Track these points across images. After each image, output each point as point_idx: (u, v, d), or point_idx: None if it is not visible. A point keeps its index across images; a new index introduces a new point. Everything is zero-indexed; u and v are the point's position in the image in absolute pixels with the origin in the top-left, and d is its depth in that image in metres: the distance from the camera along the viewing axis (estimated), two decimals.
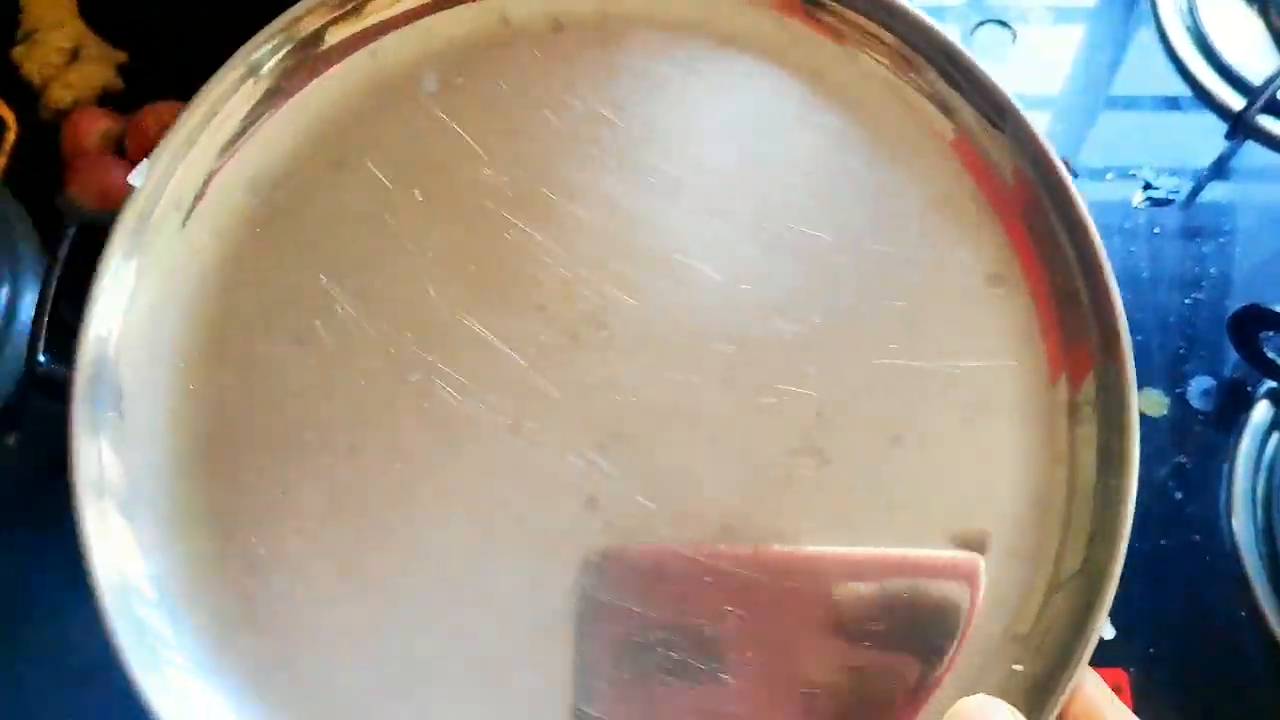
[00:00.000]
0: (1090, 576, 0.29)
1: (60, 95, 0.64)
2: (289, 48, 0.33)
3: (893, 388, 0.31)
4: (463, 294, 0.32)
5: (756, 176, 0.33)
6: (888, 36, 0.33)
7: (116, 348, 0.31)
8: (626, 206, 0.32)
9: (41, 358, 0.34)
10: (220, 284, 0.32)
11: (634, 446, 0.31)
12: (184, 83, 0.68)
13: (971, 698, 0.26)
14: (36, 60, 0.64)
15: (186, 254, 0.32)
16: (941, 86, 0.33)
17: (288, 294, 0.32)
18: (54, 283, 0.34)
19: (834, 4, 0.33)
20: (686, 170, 0.33)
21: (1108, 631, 0.29)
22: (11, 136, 0.64)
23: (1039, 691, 0.28)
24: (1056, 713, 0.27)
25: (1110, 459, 0.30)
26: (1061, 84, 0.61)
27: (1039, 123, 0.59)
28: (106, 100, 0.65)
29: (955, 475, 0.31)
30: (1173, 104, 0.60)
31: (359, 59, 0.34)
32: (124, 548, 0.30)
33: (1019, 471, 0.31)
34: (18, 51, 0.65)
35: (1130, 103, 0.60)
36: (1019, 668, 0.29)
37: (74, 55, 0.65)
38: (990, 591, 0.30)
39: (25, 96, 0.65)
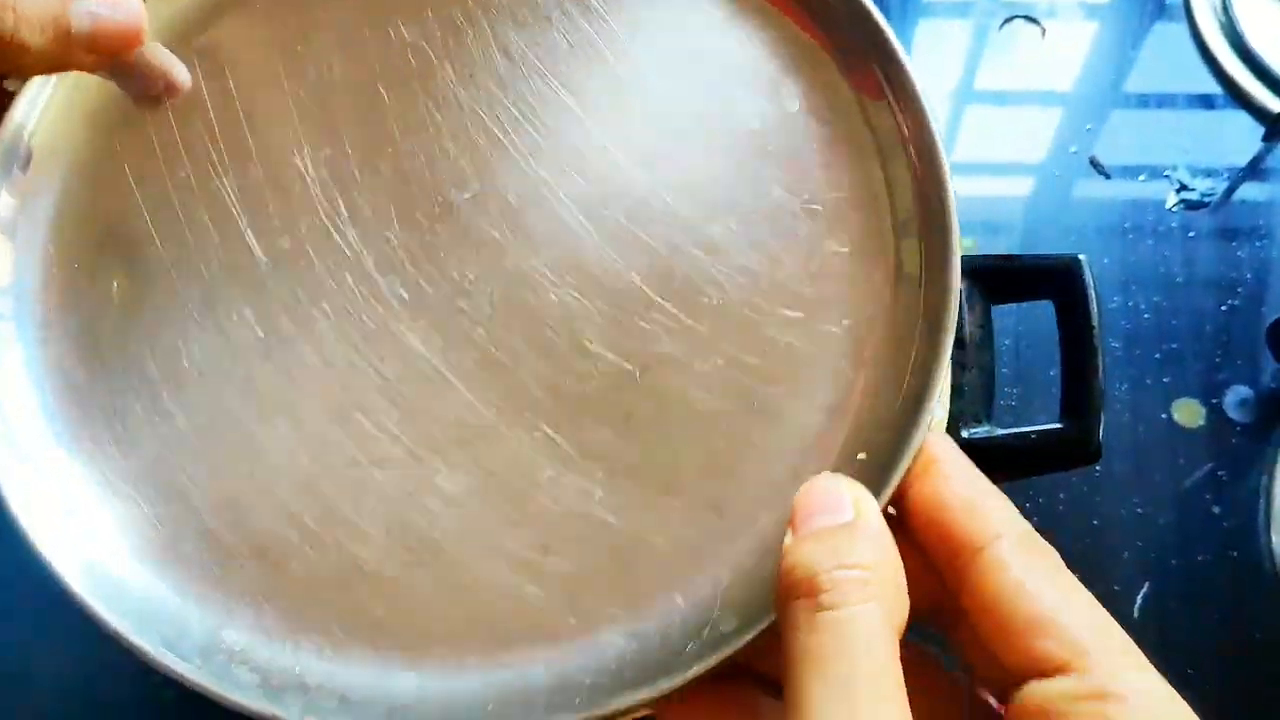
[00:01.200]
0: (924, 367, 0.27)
1: None
2: None
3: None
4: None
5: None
6: None
7: (31, 130, 0.32)
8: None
9: None
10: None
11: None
12: None
13: (818, 476, 0.24)
14: None
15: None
16: None
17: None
18: None
19: None
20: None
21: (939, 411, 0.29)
22: None
23: (880, 470, 0.26)
24: (892, 488, 0.25)
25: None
26: (1089, 78, 0.59)
27: (1057, 115, 0.57)
28: None
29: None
30: (1207, 102, 0.58)
31: None
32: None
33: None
34: None
35: (1162, 100, 0.59)
36: (862, 456, 0.27)
37: None
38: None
39: None
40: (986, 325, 0.37)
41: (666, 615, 0.27)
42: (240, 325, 0.30)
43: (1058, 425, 0.35)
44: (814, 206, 0.30)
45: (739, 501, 0.28)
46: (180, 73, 0.30)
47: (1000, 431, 0.36)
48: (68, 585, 0.28)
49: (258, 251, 0.31)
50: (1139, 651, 0.22)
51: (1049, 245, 0.54)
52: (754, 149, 0.30)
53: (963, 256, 0.36)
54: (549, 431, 0.29)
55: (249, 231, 0.31)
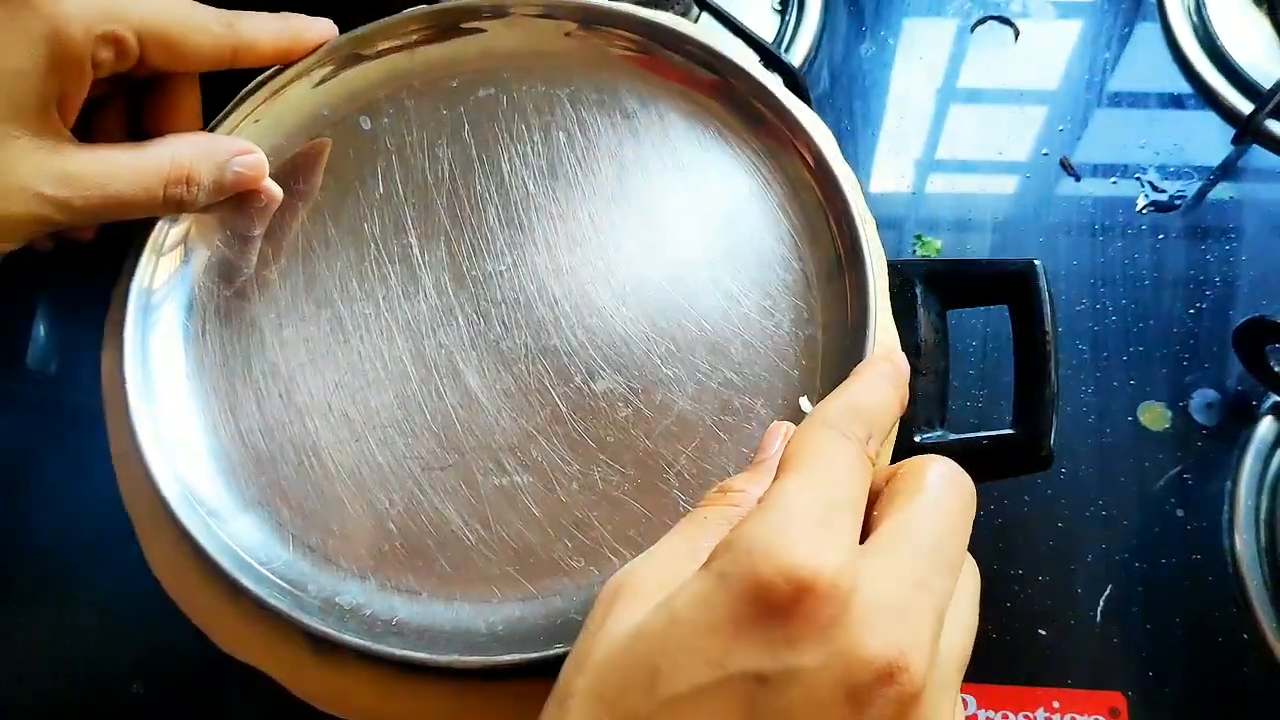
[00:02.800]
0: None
1: None
2: None
3: None
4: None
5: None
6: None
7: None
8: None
9: None
10: None
11: None
12: None
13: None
14: None
15: None
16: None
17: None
18: None
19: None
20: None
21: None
22: None
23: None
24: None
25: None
26: (1062, 79, 0.59)
27: (1030, 116, 0.57)
28: None
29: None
30: (1177, 101, 0.58)
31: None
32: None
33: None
34: None
35: (1133, 100, 0.58)
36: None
37: None
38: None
39: None
40: (941, 330, 0.37)
41: None
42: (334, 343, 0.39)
43: (1009, 431, 0.35)
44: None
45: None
46: (276, 192, 0.41)
47: (952, 436, 0.36)
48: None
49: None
50: None
51: (1019, 247, 0.54)
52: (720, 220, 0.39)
53: (918, 261, 0.37)
54: (576, 433, 0.36)
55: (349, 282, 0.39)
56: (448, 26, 0.42)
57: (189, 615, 0.34)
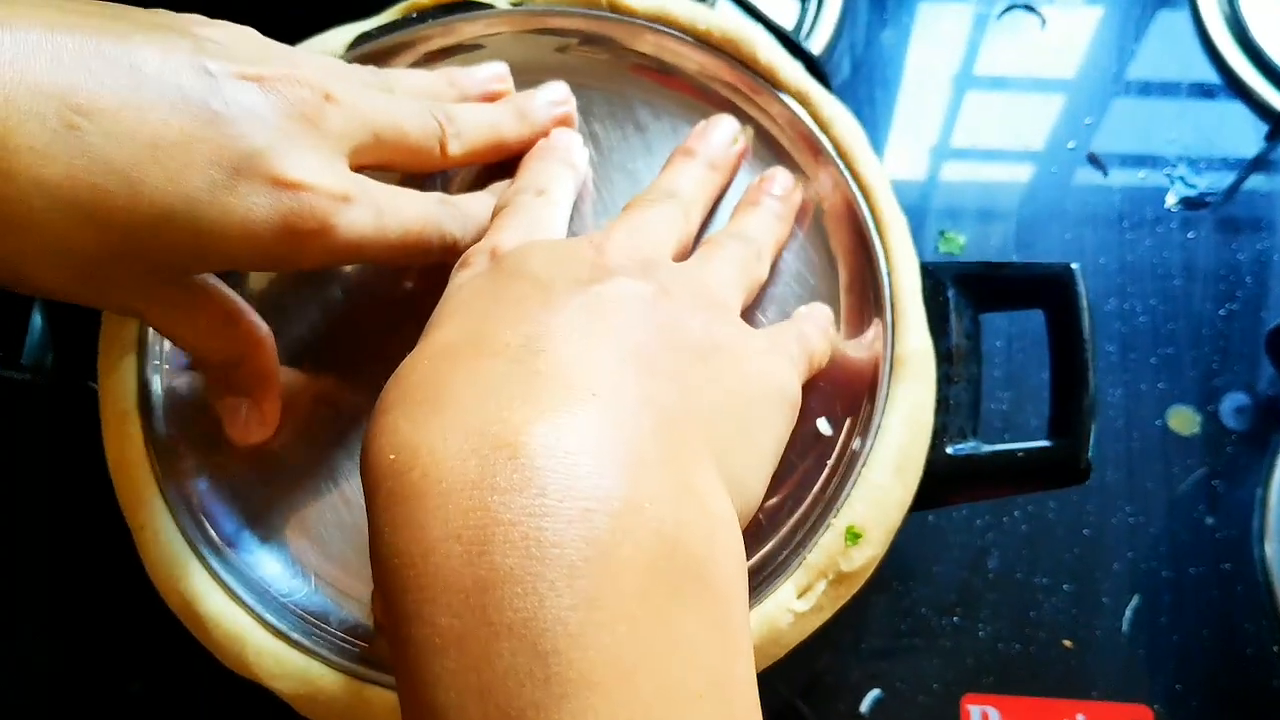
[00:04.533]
0: None
1: None
2: None
3: None
4: None
5: None
6: None
7: None
8: None
9: None
10: None
11: None
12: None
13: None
14: None
15: None
16: None
17: None
18: None
19: None
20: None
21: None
22: None
23: None
24: None
25: None
26: (1087, 69, 0.57)
27: (1056, 106, 0.55)
28: None
29: None
30: (1207, 93, 0.56)
31: None
32: None
33: None
34: None
35: (1162, 90, 0.57)
36: None
37: None
38: None
39: None
40: (974, 336, 0.36)
41: None
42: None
43: (1046, 444, 0.34)
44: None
45: None
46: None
47: (986, 448, 0.34)
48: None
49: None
50: None
51: (1044, 243, 0.53)
52: None
53: (950, 262, 0.36)
54: None
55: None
56: (452, 44, 0.40)
57: (190, 628, 0.33)
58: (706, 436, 0.25)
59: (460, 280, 0.29)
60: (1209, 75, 0.57)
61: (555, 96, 0.37)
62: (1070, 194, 0.54)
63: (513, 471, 0.21)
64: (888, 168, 0.55)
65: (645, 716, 0.19)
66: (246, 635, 0.32)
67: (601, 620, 0.20)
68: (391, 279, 0.35)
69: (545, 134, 0.36)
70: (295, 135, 0.28)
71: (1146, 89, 0.57)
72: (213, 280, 0.31)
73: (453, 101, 0.34)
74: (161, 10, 0.29)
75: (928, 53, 0.58)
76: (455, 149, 0.33)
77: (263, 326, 0.32)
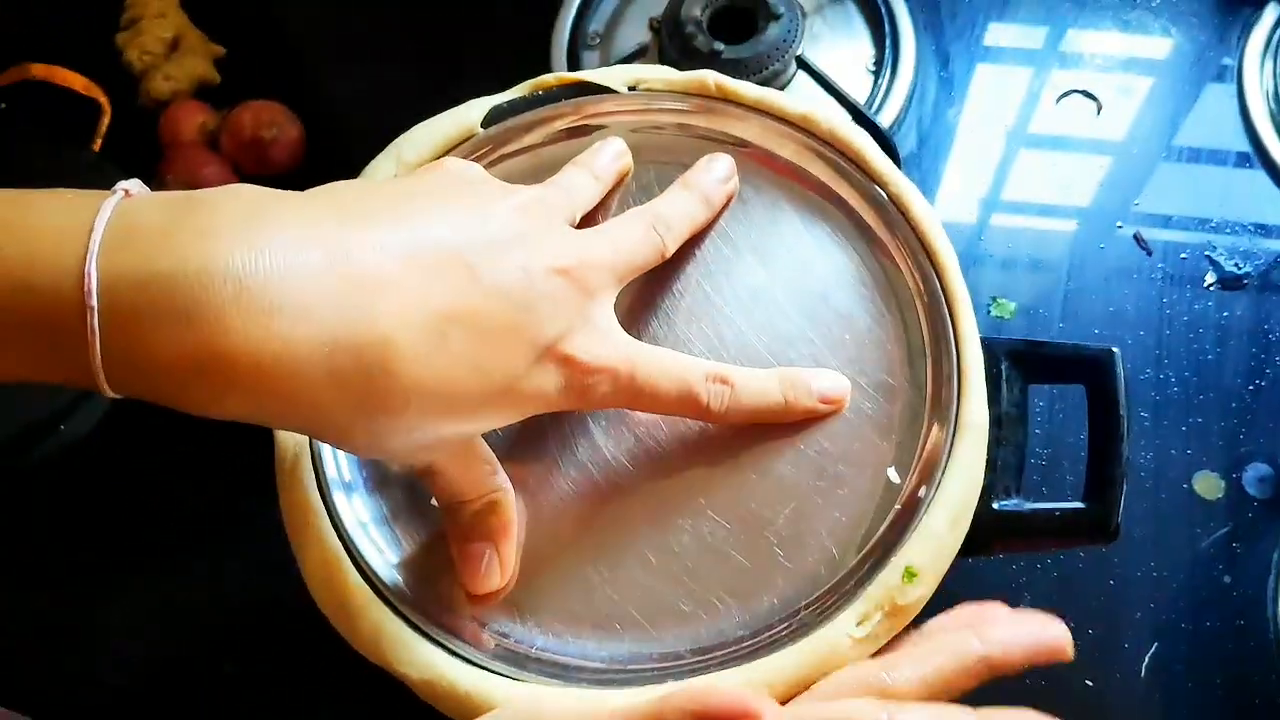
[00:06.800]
0: None
1: (160, 87, 0.65)
2: None
3: None
4: None
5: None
6: None
7: None
8: None
9: None
10: None
11: None
12: (277, 80, 0.71)
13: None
14: (138, 48, 0.66)
15: None
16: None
17: None
18: None
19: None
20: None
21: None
22: (106, 120, 0.66)
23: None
24: None
25: None
26: (1138, 151, 0.62)
27: (1114, 187, 0.60)
28: (203, 93, 0.67)
29: None
30: (1249, 173, 0.60)
31: None
32: None
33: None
34: (121, 38, 0.67)
35: (1207, 170, 0.61)
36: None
37: (174, 46, 0.67)
38: None
39: (125, 81, 0.66)
40: (1022, 405, 0.40)
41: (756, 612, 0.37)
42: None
43: (1081, 505, 0.39)
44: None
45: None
46: None
47: (1028, 506, 0.39)
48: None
49: None
50: None
51: (1088, 313, 0.57)
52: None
53: (1002, 339, 0.40)
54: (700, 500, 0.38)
55: None
56: (579, 124, 0.45)
57: (334, 623, 0.38)
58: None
59: None
60: (1250, 152, 0.61)
61: (722, 174, 0.42)
62: (1115, 270, 0.58)
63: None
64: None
65: None
66: (383, 624, 0.37)
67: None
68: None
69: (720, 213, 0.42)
70: (580, 317, 0.34)
71: (1191, 168, 0.61)
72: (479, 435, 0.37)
73: (599, 193, 0.40)
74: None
75: (987, 129, 0.63)
76: (671, 249, 0.39)
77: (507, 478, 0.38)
